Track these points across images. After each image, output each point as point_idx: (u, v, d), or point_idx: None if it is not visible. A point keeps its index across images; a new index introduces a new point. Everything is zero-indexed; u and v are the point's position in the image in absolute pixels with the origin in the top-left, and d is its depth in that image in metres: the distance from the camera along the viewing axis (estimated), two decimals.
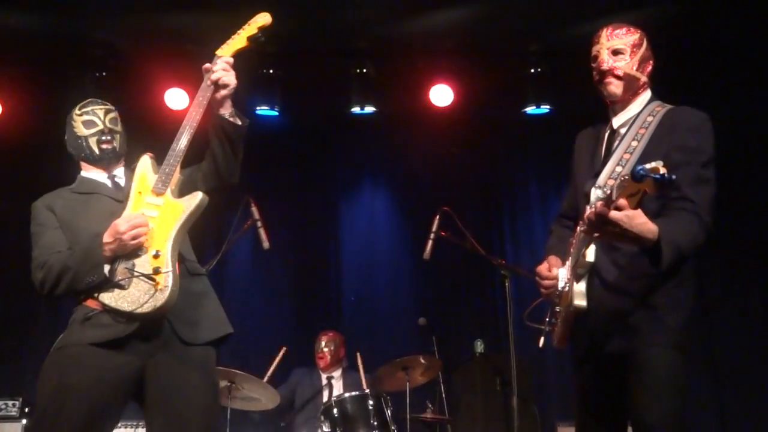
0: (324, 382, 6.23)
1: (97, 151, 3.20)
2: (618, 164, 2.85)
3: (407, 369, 5.51)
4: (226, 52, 3.20)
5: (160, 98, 6.75)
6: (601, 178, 2.86)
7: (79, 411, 2.78)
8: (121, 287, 2.82)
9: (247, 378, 5.36)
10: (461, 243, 5.23)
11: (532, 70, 6.80)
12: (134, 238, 2.83)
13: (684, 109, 2.95)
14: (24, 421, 5.59)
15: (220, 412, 3.07)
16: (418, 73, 6.95)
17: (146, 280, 2.80)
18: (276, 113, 6.89)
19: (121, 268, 2.85)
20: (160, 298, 2.78)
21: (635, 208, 2.43)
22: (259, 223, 5.06)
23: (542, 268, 3.07)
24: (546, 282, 3.04)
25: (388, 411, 5.18)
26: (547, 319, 3.10)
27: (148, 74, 6.60)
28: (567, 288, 2.89)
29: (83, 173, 3.27)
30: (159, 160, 3.13)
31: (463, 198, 7.46)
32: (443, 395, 5.78)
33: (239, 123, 3.20)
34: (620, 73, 2.97)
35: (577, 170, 3.15)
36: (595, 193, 2.67)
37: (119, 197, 3.12)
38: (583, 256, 2.74)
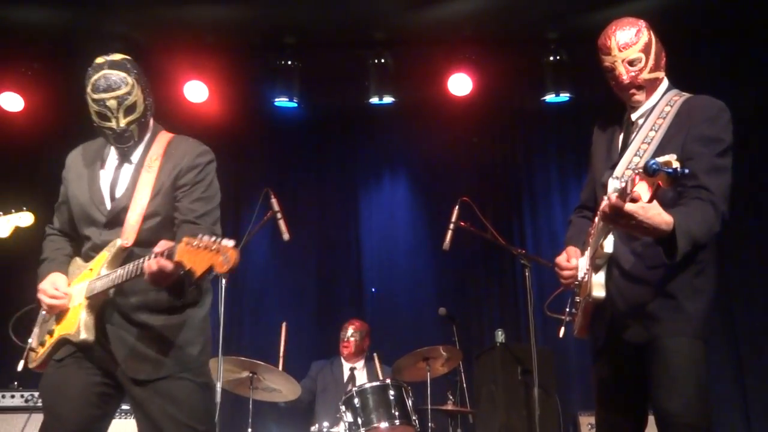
0: (347, 373, 6.26)
1: (113, 145, 3.07)
2: (635, 154, 2.90)
3: (428, 359, 5.51)
4: (179, 255, 2.58)
5: (180, 91, 6.77)
6: (618, 169, 2.91)
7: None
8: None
9: (269, 369, 5.39)
10: (481, 233, 5.22)
11: (551, 58, 6.77)
12: (49, 309, 2.98)
13: (701, 98, 2.98)
14: None
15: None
16: (437, 62, 6.93)
17: (27, 347, 3.04)
18: (295, 105, 6.90)
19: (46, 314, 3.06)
20: (22, 366, 3.06)
21: (650, 200, 2.43)
22: (278, 215, 5.07)
23: (561, 259, 3.09)
24: (565, 273, 3.06)
25: (409, 401, 5.19)
26: (567, 309, 3.11)
27: (167, 67, 6.63)
28: (586, 278, 2.92)
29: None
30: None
31: (483, 188, 7.44)
32: (464, 385, 5.78)
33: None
34: (641, 81, 3.01)
35: (594, 161, 3.17)
36: (613, 184, 2.66)
37: (104, 212, 3.02)
38: (601, 246, 2.79)
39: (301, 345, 7.16)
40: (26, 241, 4.24)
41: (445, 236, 5.09)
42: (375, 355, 6.08)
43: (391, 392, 5.12)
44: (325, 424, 5.35)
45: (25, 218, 4.23)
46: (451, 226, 5.10)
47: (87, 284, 2.93)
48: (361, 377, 6.18)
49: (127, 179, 3.06)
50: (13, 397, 5.74)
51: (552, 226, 7.67)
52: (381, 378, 5.74)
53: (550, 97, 6.87)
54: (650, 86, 3.02)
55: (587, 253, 2.97)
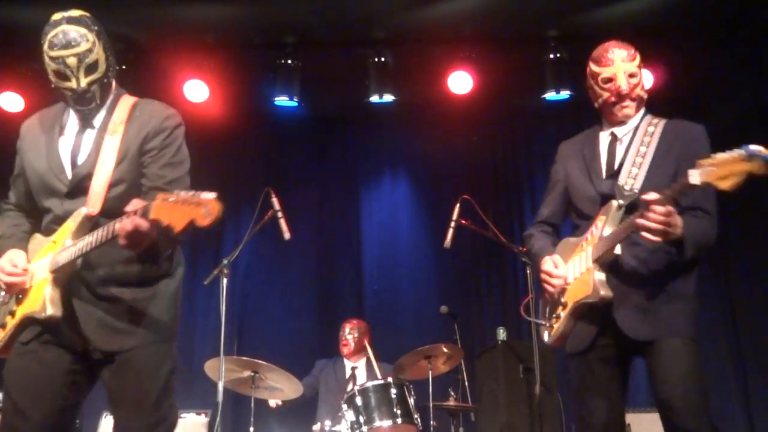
0: (348, 372, 6.26)
1: (71, 105, 2.89)
2: (633, 165, 3.10)
3: (430, 357, 5.51)
4: (154, 212, 2.41)
5: (180, 90, 6.77)
6: (622, 178, 3.10)
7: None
8: None
9: (270, 368, 5.39)
10: (482, 231, 5.22)
11: (552, 56, 6.75)
12: (8, 287, 2.79)
13: (683, 122, 3.21)
14: None
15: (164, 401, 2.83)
16: (437, 60, 6.92)
17: None
18: (295, 104, 6.89)
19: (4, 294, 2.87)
20: None
21: (732, 188, 2.56)
22: (279, 214, 5.06)
23: (550, 267, 3.19)
24: (556, 280, 3.17)
25: (411, 399, 5.19)
26: (547, 316, 3.26)
27: (167, 67, 6.63)
28: (571, 283, 3.11)
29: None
30: None
31: (484, 186, 7.45)
32: (465, 383, 5.78)
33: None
34: (635, 95, 3.21)
35: (572, 177, 3.32)
36: (624, 191, 3.01)
37: (64, 181, 2.84)
38: (611, 250, 2.95)
39: (304, 343, 7.18)
40: None
41: (446, 234, 5.09)
42: (366, 344, 6.09)
43: (393, 391, 5.12)
44: (327, 422, 5.35)
45: None
46: (452, 224, 5.10)
47: (51, 257, 2.74)
48: (362, 376, 6.19)
49: (90, 145, 2.86)
50: None
51: None
52: (375, 368, 5.79)
53: (550, 95, 6.86)
54: (639, 103, 3.23)
55: (573, 261, 3.15)
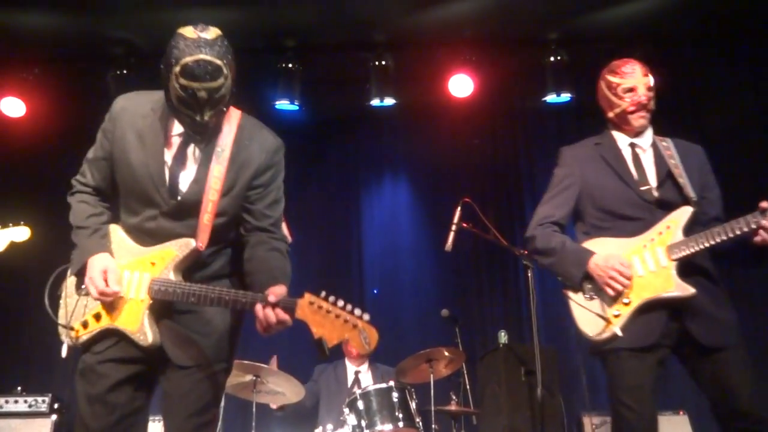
0: (352, 376, 6.26)
1: (185, 128, 2.77)
2: (679, 177, 3.30)
3: (431, 361, 5.51)
4: (300, 313, 2.55)
5: None
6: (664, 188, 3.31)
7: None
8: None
9: (272, 372, 5.39)
10: (483, 234, 5.20)
11: (552, 59, 6.77)
12: (96, 299, 2.75)
13: (687, 142, 3.48)
14: (54, 417, 5.66)
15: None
16: (438, 64, 6.93)
17: (65, 327, 2.79)
18: (296, 107, 6.90)
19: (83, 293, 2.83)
20: (66, 343, 2.80)
21: None
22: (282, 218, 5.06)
23: (621, 265, 3.20)
24: (625, 279, 3.19)
25: (413, 403, 5.19)
26: (608, 310, 3.25)
27: None
28: (637, 281, 3.19)
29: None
30: None
31: (485, 188, 7.45)
32: (467, 386, 5.77)
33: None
34: (650, 108, 3.41)
35: (595, 180, 3.43)
36: (691, 199, 3.23)
37: (164, 195, 2.76)
38: (698, 251, 3.13)
39: (304, 348, 7.15)
40: (22, 256, 4.17)
41: (447, 237, 5.08)
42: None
43: (395, 395, 5.13)
44: (329, 426, 5.34)
45: (21, 233, 4.08)
46: (453, 227, 5.08)
47: (148, 280, 2.73)
48: (366, 380, 6.19)
49: (194, 169, 2.78)
50: (16, 402, 5.73)
51: None
52: (380, 378, 5.78)
53: (551, 98, 6.87)
54: (650, 118, 3.44)
55: (641, 258, 3.22)
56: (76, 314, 2.81)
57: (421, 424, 5.15)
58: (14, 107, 6.91)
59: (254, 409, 5.38)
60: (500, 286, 7.59)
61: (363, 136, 7.88)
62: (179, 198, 2.77)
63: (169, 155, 2.80)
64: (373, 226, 7.84)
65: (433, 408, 5.34)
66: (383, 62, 6.82)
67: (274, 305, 2.54)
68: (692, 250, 3.14)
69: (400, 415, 5.05)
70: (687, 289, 3.10)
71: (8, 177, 7.17)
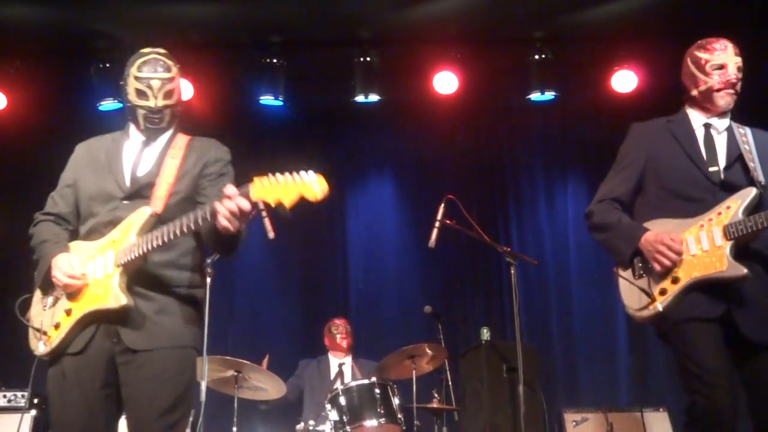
0: (335, 369, 6.27)
1: (142, 125, 3.16)
2: (750, 160, 3.24)
3: (413, 357, 5.52)
4: (254, 193, 2.70)
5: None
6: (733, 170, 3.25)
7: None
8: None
9: (254, 368, 5.39)
10: (466, 231, 5.22)
11: (537, 57, 6.78)
12: (65, 287, 2.95)
13: (763, 132, 3.39)
14: (33, 412, 5.62)
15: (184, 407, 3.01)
16: (422, 60, 6.93)
17: (37, 330, 2.98)
18: (280, 103, 6.88)
19: (54, 293, 3.01)
20: (42, 350, 2.97)
21: None
22: (263, 213, 5.04)
23: (673, 241, 3.14)
24: (675, 255, 3.13)
25: (395, 399, 5.20)
26: (655, 286, 3.19)
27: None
28: (688, 259, 3.13)
29: (130, 128, 3.24)
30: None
31: (469, 186, 7.46)
32: (449, 383, 5.79)
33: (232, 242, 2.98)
34: (738, 89, 3.33)
35: (662, 159, 3.35)
36: (760, 182, 3.17)
37: (123, 186, 3.07)
38: (756, 232, 3.05)
39: (288, 343, 7.16)
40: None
41: (431, 234, 5.09)
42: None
43: (377, 391, 5.14)
44: (311, 422, 5.35)
45: None
46: (437, 224, 5.10)
47: (112, 254, 2.92)
48: (349, 373, 6.20)
49: (151, 161, 3.13)
50: None
51: (537, 224, 7.71)
52: (359, 374, 5.81)
53: (535, 96, 6.88)
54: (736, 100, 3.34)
55: (695, 237, 3.16)
56: (46, 323, 2.98)
57: (402, 420, 5.16)
58: None
59: (236, 405, 5.37)
60: (483, 283, 7.62)
61: (347, 133, 7.87)
62: (136, 178, 3.08)
63: (129, 159, 3.15)
64: (357, 222, 7.85)
65: (415, 404, 5.35)
66: (368, 58, 6.81)
67: (229, 195, 2.71)
68: (750, 230, 3.04)
69: (382, 411, 5.06)
70: (740, 269, 3.02)
71: None
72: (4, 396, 5.68)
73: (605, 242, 3.40)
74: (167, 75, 3.15)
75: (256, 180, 2.68)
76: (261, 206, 4.96)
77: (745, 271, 3.01)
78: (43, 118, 6.86)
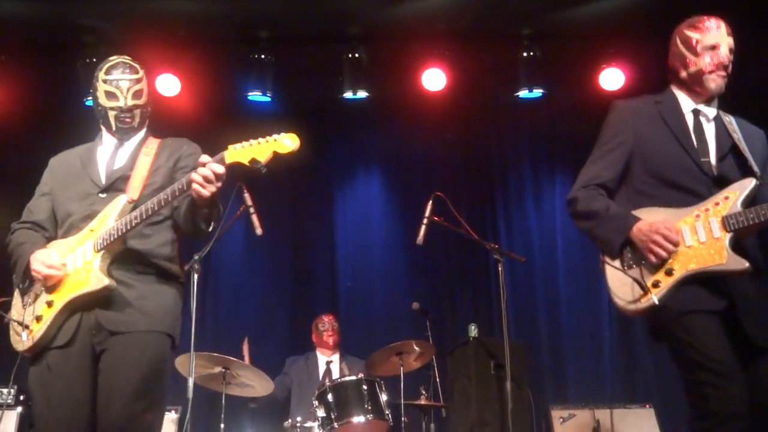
0: (323, 366, 6.27)
1: (113, 126, 3.25)
2: (744, 151, 3.05)
3: (401, 354, 5.53)
4: (229, 157, 2.83)
5: (151, 84, 6.66)
6: (725, 160, 3.06)
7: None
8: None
9: (241, 365, 5.38)
10: (454, 228, 5.23)
11: (525, 54, 6.78)
12: (46, 279, 3.00)
13: (749, 124, 3.22)
14: (19, 409, 5.59)
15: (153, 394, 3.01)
16: (411, 57, 6.92)
17: (18, 324, 3.03)
18: (268, 99, 6.85)
19: (33, 291, 3.06)
20: (26, 344, 3.00)
21: None
22: (251, 209, 5.03)
23: (669, 230, 2.93)
24: (672, 246, 2.92)
25: (383, 396, 5.20)
26: (649, 278, 2.97)
27: (139, 60, 6.55)
28: (683, 250, 2.93)
29: (103, 133, 3.34)
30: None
31: (456, 183, 7.47)
32: (437, 380, 5.80)
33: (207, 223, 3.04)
34: (729, 71, 3.10)
35: (651, 143, 3.13)
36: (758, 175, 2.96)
37: (98, 182, 3.18)
38: (757, 224, 2.87)
39: (275, 340, 7.16)
40: None
41: (419, 231, 5.09)
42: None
43: (365, 387, 5.14)
44: (299, 419, 5.35)
45: None
46: (425, 221, 5.10)
47: (91, 242, 2.99)
48: (337, 370, 6.20)
49: (125, 158, 3.24)
50: None
51: (525, 221, 7.72)
52: (347, 371, 5.83)
53: (523, 93, 6.88)
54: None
55: (691, 228, 2.96)
56: (27, 317, 3.02)
57: (390, 416, 5.17)
58: None
59: (224, 401, 5.36)
60: (471, 280, 7.63)
61: (335, 129, 7.86)
62: (112, 171, 3.19)
63: (103, 159, 3.26)
64: (345, 218, 7.84)
65: (402, 401, 5.36)
66: (356, 55, 6.79)
67: (204, 163, 2.82)
68: (752, 222, 2.85)
69: (370, 407, 5.07)
70: (741, 262, 2.82)
71: None
72: None
73: (591, 231, 3.14)
74: (135, 76, 3.25)
75: (230, 146, 2.80)
76: (249, 203, 4.99)
77: (747, 264, 2.81)
78: (29, 113, 6.81)
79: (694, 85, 3.14)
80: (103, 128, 3.33)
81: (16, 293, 3.14)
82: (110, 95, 3.22)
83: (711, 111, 3.16)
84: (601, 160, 3.20)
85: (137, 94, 3.25)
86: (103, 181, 3.16)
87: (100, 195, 3.13)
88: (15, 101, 6.84)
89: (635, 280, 2.95)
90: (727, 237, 2.88)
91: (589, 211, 3.12)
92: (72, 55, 6.58)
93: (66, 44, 6.66)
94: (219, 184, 2.86)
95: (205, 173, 2.80)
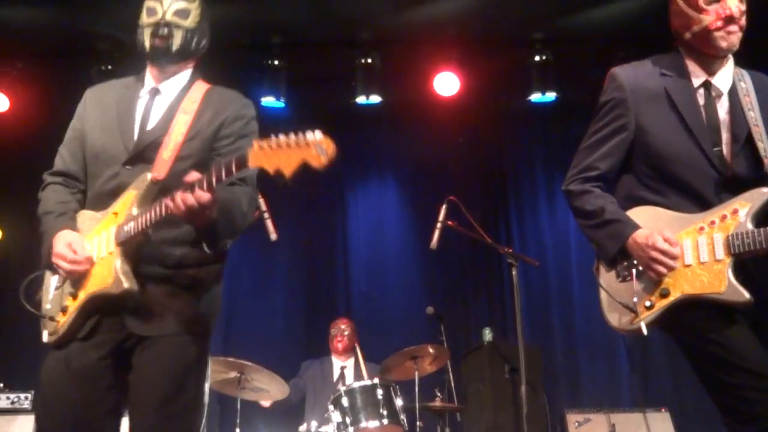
0: (337, 371, 6.26)
1: (147, 45, 2.79)
2: (760, 140, 2.66)
3: (416, 358, 5.51)
4: (253, 160, 2.33)
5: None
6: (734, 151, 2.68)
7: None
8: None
9: (256, 369, 5.38)
10: (468, 232, 5.22)
11: (537, 58, 6.78)
12: (68, 272, 2.65)
13: (763, 77, 2.81)
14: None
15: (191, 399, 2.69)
16: (423, 62, 6.93)
17: (45, 317, 2.69)
18: (282, 104, 6.89)
19: (60, 275, 2.72)
20: (51, 339, 2.67)
21: None
22: (266, 215, 5.04)
23: (665, 244, 2.58)
24: (672, 261, 2.58)
25: (398, 400, 5.19)
26: (641, 298, 2.65)
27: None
28: (681, 269, 2.60)
29: (146, 73, 2.90)
30: None
31: (470, 187, 7.46)
32: (452, 384, 5.78)
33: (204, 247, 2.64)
34: (743, 24, 2.68)
35: (657, 131, 2.74)
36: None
37: (129, 145, 2.70)
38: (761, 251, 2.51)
39: (291, 344, 7.16)
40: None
41: (433, 235, 5.09)
42: (357, 346, 6.12)
43: (380, 392, 5.13)
44: (314, 423, 5.34)
45: None
46: (439, 225, 5.09)
47: (114, 230, 2.61)
48: (351, 375, 6.20)
49: (160, 114, 2.78)
50: None
51: (538, 225, 7.70)
52: (365, 371, 5.83)
53: (536, 97, 6.89)
54: (739, 43, 2.69)
55: (692, 243, 2.61)
56: (55, 307, 2.71)
57: (405, 421, 5.16)
58: None
59: (239, 406, 5.37)
60: (485, 284, 7.61)
61: (349, 134, 7.84)
62: (141, 136, 2.73)
63: (138, 113, 2.80)
64: (359, 223, 7.84)
65: (417, 405, 5.34)
66: (369, 60, 6.82)
67: (191, 182, 2.38)
68: (759, 247, 2.48)
69: (385, 412, 5.05)
70: (741, 294, 2.47)
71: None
72: (8, 398, 5.66)
73: (585, 231, 2.80)
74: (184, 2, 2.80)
75: (256, 143, 2.32)
76: (264, 208, 4.99)
77: (748, 296, 2.46)
78: (45, 120, 6.84)
79: (703, 47, 2.72)
80: (148, 66, 2.87)
81: (47, 272, 2.79)
82: (150, 11, 2.78)
83: (725, 80, 2.74)
84: (598, 147, 2.83)
85: (182, 13, 2.78)
86: (133, 146, 2.71)
87: (126, 167, 2.69)
88: (31, 107, 6.90)
89: (622, 304, 2.65)
90: (729, 261, 2.52)
91: (583, 211, 2.80)
92: (87, 63, 6.63)
93: (81, 52, 6.71)
94: (208, 213, 2.42)
95: (188, 202, 2.37)
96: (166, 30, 2.75)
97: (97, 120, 2.82)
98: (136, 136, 2.73)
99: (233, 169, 2.37)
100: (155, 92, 2.84)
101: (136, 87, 2.88)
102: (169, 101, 2.81)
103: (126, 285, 2.54)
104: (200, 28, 2.88)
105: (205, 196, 2.37)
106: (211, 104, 2.82)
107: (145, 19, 2.79)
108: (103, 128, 2.79)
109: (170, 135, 2.70)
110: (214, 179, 2.38)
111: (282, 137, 2.36)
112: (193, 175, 2.41)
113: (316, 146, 2.36)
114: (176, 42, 2.79)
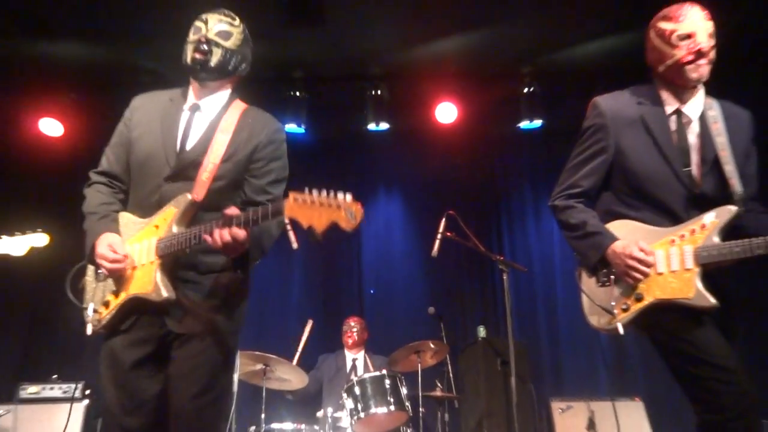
0: (350, 363, 6.24)
1: (188, 59, 2.72)
2: (727, 164, 2.63)
3: (419, 352, 5.50)
4: (288, 211, 2.28)
5: None
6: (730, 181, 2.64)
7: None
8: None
9: (280, 361, 5.37)
10: (464, 242, 5.21)
11: (526, 90, 6.78)
12: (110, 271, 2.60)
13: (734, 107, 2.77)
14: (85, 402, 5.58)
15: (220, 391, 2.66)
16: (426, 94, 6.95)
17: (89, 311, 2.63)
18: (302, 131, 6.90)
19: (100, 274, 2.66)
20: (95, 330, 2.62)
21: None
22: (288, 226, 5.03)
23: (643, 250, 2.56)
24: (647, 269, 2.56)
25: (403, 389, 5.18)
26: (618, 301, 2.64)
27: None
28: (654, 277, 2.58)
29: (189, 88, 2.83)
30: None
31: (466, 203, 7.44)
32: (450, 375, 5.76)
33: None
34: (712, 58, 2.64)
35: (633, 152, 2.71)
36: (738, 196, 2.57)
37: (171, 160, 2.63)
38: (728, 261, 2.49)
39: (309, 340, 7.14)
40: (41, 261, 4.05)
41: (434, 245, 5.08)
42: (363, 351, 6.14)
43: (387, 382, 5.12)
44: (330, 409, 5.32)
45: (40, 239, 3.91)
46: (439, 235, 5.08)
47: (155, 242, 2.56)
48: (361, 366, 6.18)
49: (200, 133, 2.71)
50: (52, 389, 5.66)
51: (526, 236, 7.70)
52: (371, 367, 5.83)
53: (525, 124, 6.88)
54: (710, 72, 2.65)
55: (666, 254, 2.58)
56: (97, 298, 2.67)
57: (409, 407, 5.14)
58: (52, 127, 6.91)
59: (264, 394, 5.35)
60: (479, 288, 7.59)
61: (361, 156, 7.88)
62: (183, 155, 2.66)
63: (180, 129, 2.73)
64: (369, 234, 7.84)
65: (420, 393, 5.33)
66: (378, 92, 6.84)
67: (230, 217, 2.35)
68: (723, 258, 2.48)
69: (392, 400, 5.04)
70: (707, 300, 2.47)
71: (44, 190, 7.11)
72: (60, 388, 5.65)
73: (570, 242, 2.78)
74: (227, 19, 2.73)
75: (291, 195, 2.26)
76: (286, 220, 4.97)
77: (714, 301, 2.46)
78: (94, 144, 6.84)
79: (675, 78, 2.69)
80: (190, 81, 2.80)
81: (90, 267, 2.74)
82: (196, 29, 2.71)
83: (696, 108, 2.70)
84: (581, 167, 2.81)
85: (224, 34, 2.70)
86: (174, 163, 2.64)
87: (166, 182, 2.63)
88: (82, 133, 6.93)
89: (601, 306, 2.63)
90: (697, 270, 2.51)
91: (568, 224, 2.78)
92: (133, 94, 6.63)
93: (127, 84, 6.74)
94: (240, 247, 2.38)
95: (225, 239, 2.34)
96: (206, 46, 2.69)
97: (143, 131, 2.76)
98: (177, 153, 2.67)
99: (269, 216, 2.34)
100: (196, 108, 2.78)
101: (179, 101, 2.82)
102: (209, 119, 2.76)
103: (165, 294, 2.52)
104: (240, 51, 2.80)
105: (241, 234, 2.36)
106: (246, 126, 2.76)
107: (190, 36, 2.73)
108: (148, 140, 2.73)
109: (208, 156, 2.65)
110: (251, 221, 2.34)
111: (315, 194, 2.28)
112: (233, 210, 2.38)
113: (347, 210, 2.25)
114: (215, 59, 2.72)
